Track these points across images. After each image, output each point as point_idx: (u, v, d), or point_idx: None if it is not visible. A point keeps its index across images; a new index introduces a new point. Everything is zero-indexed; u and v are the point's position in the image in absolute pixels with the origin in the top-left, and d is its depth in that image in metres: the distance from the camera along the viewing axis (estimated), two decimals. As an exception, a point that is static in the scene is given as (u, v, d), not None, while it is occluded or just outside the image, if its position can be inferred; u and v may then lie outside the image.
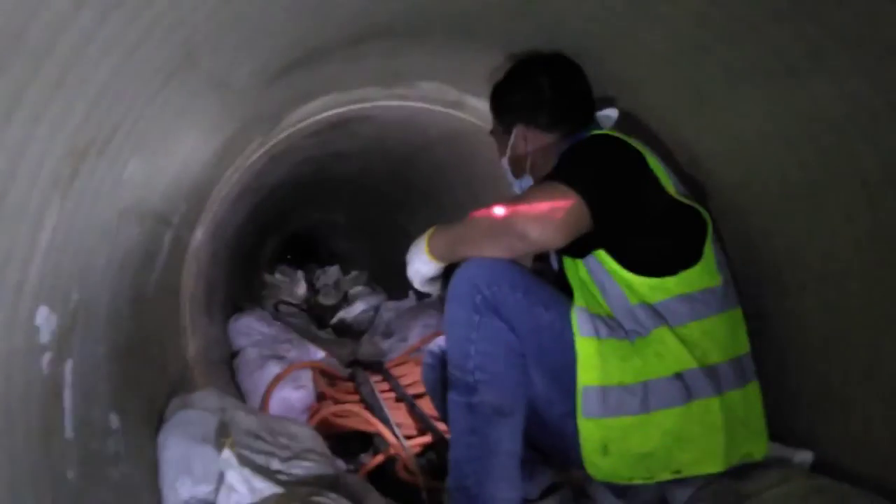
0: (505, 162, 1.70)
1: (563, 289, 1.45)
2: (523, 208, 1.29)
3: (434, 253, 1.49)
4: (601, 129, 1.58)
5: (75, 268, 1.10)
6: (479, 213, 1.39)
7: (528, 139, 1.63)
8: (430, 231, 1.53)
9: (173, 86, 1.15)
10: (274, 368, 2.45)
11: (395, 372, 2.65)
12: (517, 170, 1.68)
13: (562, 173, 1.35)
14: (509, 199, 1.35)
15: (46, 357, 1.01)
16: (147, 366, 1.67)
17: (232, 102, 1.55)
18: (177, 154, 1.50)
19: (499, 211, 1.33)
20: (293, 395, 2.33)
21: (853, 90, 1.23)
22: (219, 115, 1.60)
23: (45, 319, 0.99)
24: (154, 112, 1.16)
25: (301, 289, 5.27)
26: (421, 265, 1.52)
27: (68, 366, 1.10)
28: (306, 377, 2.46)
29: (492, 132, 1.77)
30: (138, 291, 1.55)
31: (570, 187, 1.28)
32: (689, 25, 1.41)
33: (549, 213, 1.26)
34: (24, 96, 0.72)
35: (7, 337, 0.87)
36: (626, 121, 1.88)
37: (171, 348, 2.03)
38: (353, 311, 4.33)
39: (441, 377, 1.66)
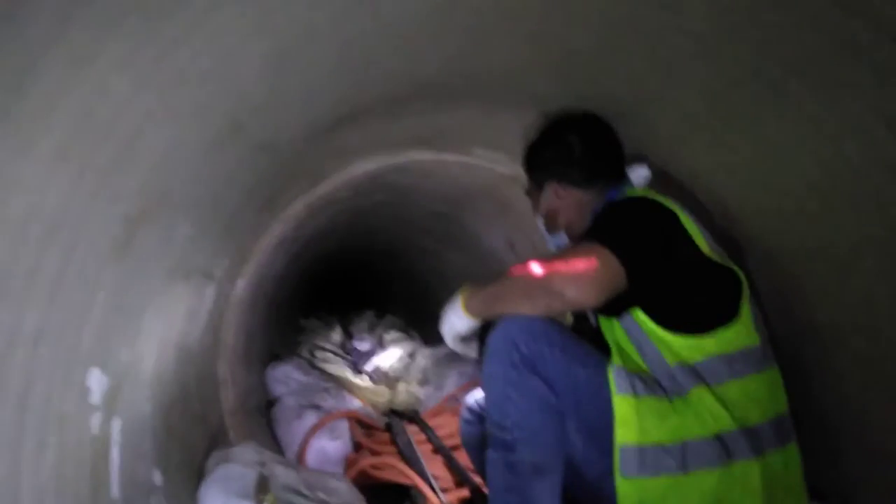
0: (539, 219, 1.72)
1: (602, 346, 1.45)
2: (560, 267, 1.30)
3: (470, 309, 1.51)
4: (633, 186, 1.60)
5: (126, 327, 1.14)
6: (517, 271, 1.40)
7: (561, 196, 1.65)
8: (466, 287, 1.55)
9: (222, 152, 1.20)
10: (311, 418, 2.46)
11: (432, 422, 2.64)
12: (551, 226, 1.70)
13: (597, 234, 1.37)
14: (546, 258, 1.36)
15: (96, 417, 1.04)
16: (188, 419, 1.70)
17: (277, 162, 1.61)
18: (224, 212, 1.56)
19: (536, 269, 1.34)
20: (330, 446, 2.34)
21: (885, 152, 1.22)
22: (264, 175, 1.65)
23: (96, 381, 1.02)
24: (203, 176, 1.21)
25: (336, 334, 5.30)
26: (456, 320, 1.54)
27: (116, 425, 1.13)
28: (343, 427, 2.47)
29: (527, 192, 1.80)
30: (182, 346, 1.59)
31: (604, 247, 1.30)
32: (721, 88, 1.43)
33: (584, 273, 1.28)
34: (87, 173, 0.76)
35: (61, 400, 0.91)
36: (660, 177, 1.88)
37: (211, 400, 2.06)
38: (389, 357, 4.34)
39: (479, 433, 1.65)
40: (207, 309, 1.80)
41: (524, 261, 1.44)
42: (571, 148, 1.63)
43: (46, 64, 0.62)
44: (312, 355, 4.24)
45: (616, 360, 1.38)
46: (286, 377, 2.89)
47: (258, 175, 1.57)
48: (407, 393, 3.40)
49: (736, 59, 1.35)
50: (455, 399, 2.95)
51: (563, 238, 1.68)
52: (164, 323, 1.38)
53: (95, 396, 1.03)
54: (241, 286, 2.27)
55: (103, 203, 0.84)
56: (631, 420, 1.30)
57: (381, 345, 5.01)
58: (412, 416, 2.76)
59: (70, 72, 0.65)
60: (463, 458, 2.13)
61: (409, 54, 1.50)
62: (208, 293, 1.77)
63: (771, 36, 1.23)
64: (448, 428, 2.51)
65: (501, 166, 2.47)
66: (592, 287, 1.28)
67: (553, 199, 1.67)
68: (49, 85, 0.63)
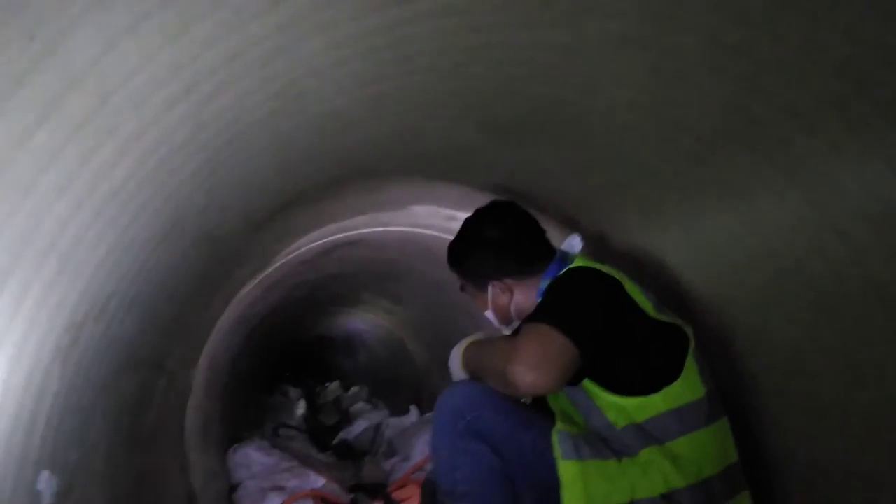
0: (489, 314, 1.73)
1: (548, 411, 1.50)
2: (519, 356, 1.29)
3: (466, 366, 1.58)
4: (568, 256, 1.64)
5: (74, 428, 1.16)
6: (488, 351, 1.47)
7: (505, 290, 1.67)
8: (469, 341, 1.62)
9: (163, 249, 1.25)
10: (274, 500, 2.44)
11: (398, 495, 2.64)
12: (504, 319, 1.71)
13: (547, 314, 1.37)
14: (505, 344, 1.40)
15: (47, 520, 1.05)
16: (144, 512, 1.69)
17: (220, 251, 1.66)
18: (171, 302, 1.59)
19: (500, 356, 1.36)
20: (293, 528, 2.32)
21: (799, 211, 1.32)
22: (210, 263, 1.70)
23: (46, 484, 1.04)
24: (146, 273, 1.26)
25: (300, 409, 5.24)
26: (456, 370, 1.61)
27: (68, 526, 1.14)
28: (307, 507, 2.45)
29: (462, 289, 1.80)
30: (134, 438, 1.59)
31: (557, 330, 1.30)
32: (650, 161, 1.53)
33: (542, 362, 1.28)
34: (30, 290, 0.81)
35: (10, 507, 0.92)
36: (601, 241, 1.97)
37: (169, 489, 2.04)
38: (355, 430, 4.30)
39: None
40: (159, 399, 1.81)
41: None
42: (495, 243, 1.66)
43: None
44: (276, 434, 4.19)
45: (560, 425, 1.41)
46: (248, 460, 2.86)
47: (203, 264, 1.62)
48: (373, 466, 3.38)
49: (662, 137, 1.45)
50: (422, 470, 2.95)
51: (517, 326, 1.68)
52: (114, 419, 1.40)
53: (45, 500, 1.04)
54: (195, 371, 2.28)
55: (47, 313, 0.88)
56: (577, 485, 1.33)
57: (346, 418, 4.97)
58: (378, 490, 2.75)
59: (9, 203, 0.70)
60: (427, 530, 2.13)
61: (347, 143, 1.58)
62: (160, 383, 1.78)
63: (684, 116, 1.34)
64: (414, 500, 2.51)
65: (445, 234, 2.56)
66: (549, 375, 1.28)
67: (499, 296, 1.68)
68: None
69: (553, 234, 1.80)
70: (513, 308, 1.68)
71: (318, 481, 2.78)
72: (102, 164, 0.82)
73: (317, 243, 2.67)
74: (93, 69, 0.70)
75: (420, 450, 3.18)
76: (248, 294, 2.63)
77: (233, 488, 2.70)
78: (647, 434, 1.36)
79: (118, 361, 1.32)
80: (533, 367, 1.27)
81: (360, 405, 5.14)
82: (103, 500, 1.38)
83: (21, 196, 0.72)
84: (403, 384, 4.99)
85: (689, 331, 1.46)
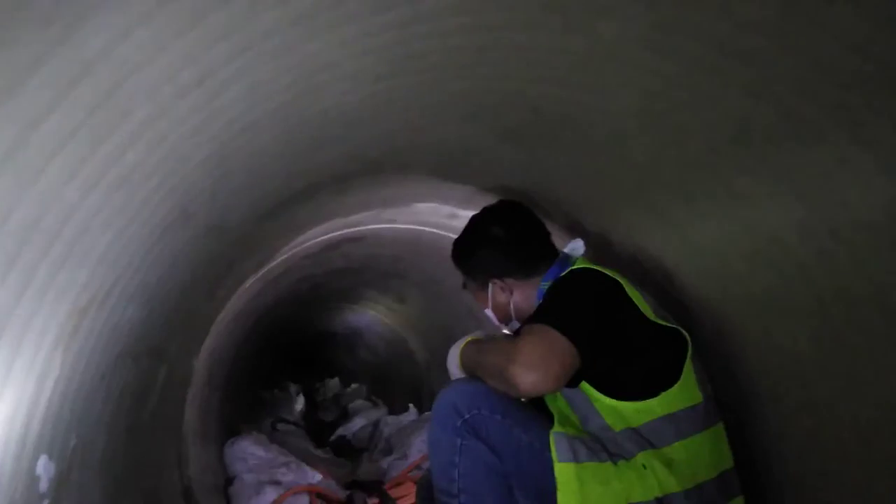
0: (488, 311, 1.76)
1: (546, 411, 1.50)
2: (519, 357, 1.31)
3: (464, 365, 1.59)
4: (570, 258, 1.66)
5: (74, 413, 1.16)
6: (488, 350, 1.47)
7: (506, 289, 1.70)
8: (467, 340, 1.62)
9: (169, 237, 1.25)
10: (270, 494, 2.45)
11: (394, 493, 2.65)
12: (503, 317, 1.74)
13: (547, 315, 1.39)
14: (505, 344, 1.41)
15: (44, 505, 1.06)
16: (140, 501, 1.69)
17: (225, 241, 1.66)
18: (174, 292, 1.59)
19: (500, 356, 1.37)
20: (289, 522, 2.32)
21: (799, 217, 1.33)
22: (214, 253, 1.71)
23: (44, 468, 1.04)
24: (151, 261, 1.26)
25: (299, 405, 5.25)
26: (454, 369, 1.62)
27: (65, 511, 1.14)
28: (303, 502, 2.45)
29: (465, 286, 1.83)
30: (133, 427, 1.60)
31: (557, 331, 1.32)
32: (646, 160, 1.54)
33: (542, 363, 1.30)
34: (35, 274, 0.82)
35: (10, 490, 0.93)
36: (604, 244, 1.98)
37: (165, 479, 2.05)
38: (353, 427, 4.32)
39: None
40: (159, 389, 1.82)
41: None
42: (500, 242, 1.68)
43: (-3, 180, 0.68)
44: (274, 428, 4.20)
45: (558, 426, 1.42)
46: (244, 453, 2.86)
47: (208, 254, 1.62)
48: (370, 463, 3.39)
49: (667, 142, 1.46)
50: (419, 468, 2.96)
51: (515, 325, 1.72)
52: (114, 406, 1.40)
53: (44, 484, 1.05)
54: (195, 363, 2.28)
55: (51, 299, 0.89)
56: (572, 487, 1.34)
57: (345, 415, 4.98)
58: (374, 487, 2.76)
59: (18, 187, 0.71)
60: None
61: (353, 138, 1.58)
62: (160, 373, 1.78)
63: (689, 121, 1.34)
64: (410, 498, 2.52)
65: (449, 232, 2.56)
66: (549, 376, 1.30)
67: (499, 294, 1.71)
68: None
69: (556, 236, 1.82)
70: (512, 307, 1.70)
71: (314, 476, 2.78)
72: (112, 150, 0.82)
73: (321, 238, 2.68)
74: (107, 56, 0.70)
75: (417, 448, 3.19)
76: (251, 287, 2.63)
77: (229, 481, 2.71)
78: (644, 439, 1.37)
79: (119, 349, 1.32)
80: (533, 367, 1.29)
81: (359, 402, 5.15)
82: (100, 488, 1.38)
83: (30, 180, 0.72)
84: (403, 382, 5.00)
85: (687, 336, 1.47)
